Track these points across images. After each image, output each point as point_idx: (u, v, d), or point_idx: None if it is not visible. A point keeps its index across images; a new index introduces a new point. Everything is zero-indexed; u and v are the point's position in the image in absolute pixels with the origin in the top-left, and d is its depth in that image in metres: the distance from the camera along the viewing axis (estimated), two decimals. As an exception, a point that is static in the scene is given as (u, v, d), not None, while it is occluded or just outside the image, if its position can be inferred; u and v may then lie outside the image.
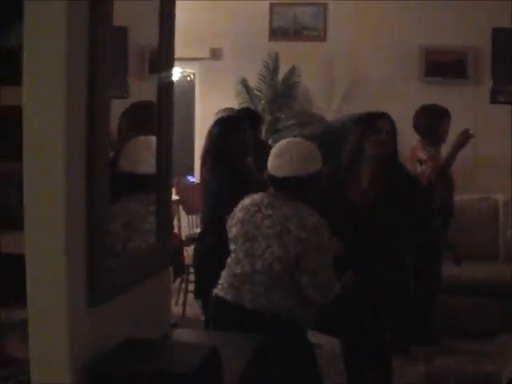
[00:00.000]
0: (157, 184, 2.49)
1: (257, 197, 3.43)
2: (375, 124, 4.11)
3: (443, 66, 6.81)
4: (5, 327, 2.16)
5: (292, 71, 6.65)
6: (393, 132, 4.16)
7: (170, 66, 2.54)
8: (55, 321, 1.86)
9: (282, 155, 3.36)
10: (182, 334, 2.87)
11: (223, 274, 3.44)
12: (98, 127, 1.90)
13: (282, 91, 6.63)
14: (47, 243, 1.84)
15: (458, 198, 6.02)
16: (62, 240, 1.83)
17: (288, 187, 3.34)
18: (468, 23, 6.69)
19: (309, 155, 3.38)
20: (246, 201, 3.45)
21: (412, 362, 5.09)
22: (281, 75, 6.67)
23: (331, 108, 6.94)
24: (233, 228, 3.41)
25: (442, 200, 5.21)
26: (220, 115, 5.68)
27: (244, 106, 6.40)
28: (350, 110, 6.71)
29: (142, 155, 2.49)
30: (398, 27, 6.77)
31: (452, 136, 5.31)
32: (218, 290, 3.41)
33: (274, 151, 3.45)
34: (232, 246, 3.41)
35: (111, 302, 2.05)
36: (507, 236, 6.42)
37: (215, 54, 7.04)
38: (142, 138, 2.51)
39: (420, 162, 5.14)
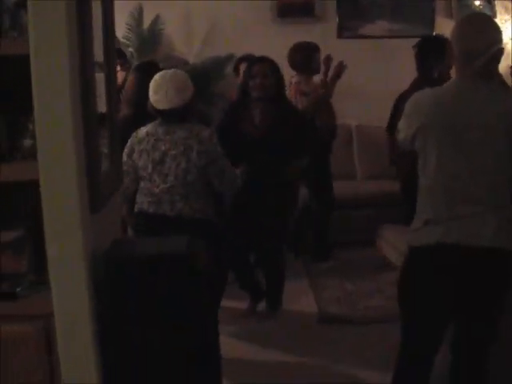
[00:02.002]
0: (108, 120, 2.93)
1: (149, 127, 4.02)
2: (252, 69, 4.75)
3: (293, 7, 7.41)
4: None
5: (156, 20, 7.06)
6: (273, 74, 4.74)
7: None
8: (69, 226, 2.31)
9: (159, 90, 3.95)
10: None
11: (139, 196, 4.04)
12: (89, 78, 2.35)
13: (148, 39, 7.03)
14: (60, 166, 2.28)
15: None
16: (74, 164, 2.27)
17: (170, 117, 3.95)
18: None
19: (182, 86, 3.97)
20: (140, 133, 4.03)
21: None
22: (146, 24, 7.07)
23: (193, 52, 7.40)
24: (139, 158, 3.99)
25: (326, 126, 5.90)
26: None
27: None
28: (210, 53, 7.26)
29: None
30: (251, -27, 7.26)
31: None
32: (139, 206, 4.03)
33: (152, 85, 3.99)
34: (142, 173, 3.99)
35: (103, 210, 2.52)
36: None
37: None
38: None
39: (305, 94, 5.76)
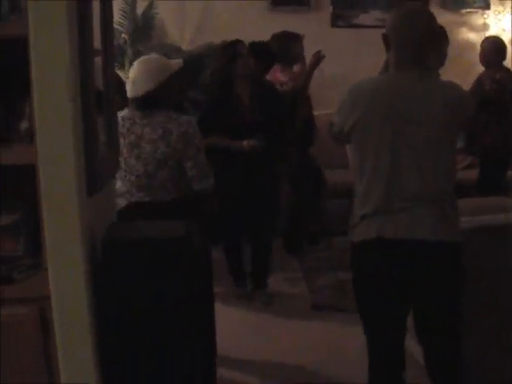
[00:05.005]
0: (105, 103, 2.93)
1: (125, 112, 3.89)
2: (238, 49, 4.87)
3: (288, -5, 7.42)
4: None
5: (150, 5, 7.03)
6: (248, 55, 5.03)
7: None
8: (67, 209, 2.31)
9: (129, 79, 3.88)
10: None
11: (120, 182, 3.82)
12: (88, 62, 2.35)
13: (142, 25, 6.99)
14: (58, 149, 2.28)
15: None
16: (71, 147, 2.27)
17: (142, 102, 3.83)
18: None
19: (152, 69, 3.83)
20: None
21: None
22: (140, 10, 7.03)
23: (186, 39, 7.37)
24: None
25: (304, 117, 5.89)
26: None
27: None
28: (204, 40, 7.23)
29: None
30: (247, -40, 7.22)
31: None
32: (127, 198, 3.83)
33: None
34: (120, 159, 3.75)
35: (100, 194, 2.52)
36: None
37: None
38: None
39: (281, 84, 5.75)
